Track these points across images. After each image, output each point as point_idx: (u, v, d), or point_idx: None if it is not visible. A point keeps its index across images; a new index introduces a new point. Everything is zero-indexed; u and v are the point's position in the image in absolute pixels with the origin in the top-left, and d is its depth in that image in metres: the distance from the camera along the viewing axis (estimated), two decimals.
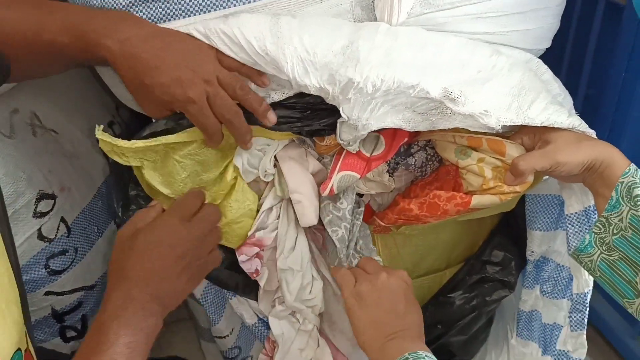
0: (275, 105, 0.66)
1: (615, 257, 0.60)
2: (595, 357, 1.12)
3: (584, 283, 0.74)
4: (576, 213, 0.72)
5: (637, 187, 0.57)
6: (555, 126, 0.62)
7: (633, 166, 0.59)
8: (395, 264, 0.86)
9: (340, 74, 0.60)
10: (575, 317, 0.77)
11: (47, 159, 0.81)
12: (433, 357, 0.59)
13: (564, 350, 0.81)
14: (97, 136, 0.61)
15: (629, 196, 0.58)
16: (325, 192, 0.70)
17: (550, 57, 0.78)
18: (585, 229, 0.72)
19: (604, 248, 0.61)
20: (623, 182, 0.58)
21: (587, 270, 0.64)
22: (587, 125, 0.66)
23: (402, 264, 0.86)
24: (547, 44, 0.79)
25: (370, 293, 0.67)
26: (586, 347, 0.79)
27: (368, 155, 0.72)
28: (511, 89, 0.63)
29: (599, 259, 0.61)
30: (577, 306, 0.77)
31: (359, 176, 0.71)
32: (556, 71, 0.76)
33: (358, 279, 0.69)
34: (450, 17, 0.68)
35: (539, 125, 0.62)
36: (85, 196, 0.87)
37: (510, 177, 0.66)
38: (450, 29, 0.69)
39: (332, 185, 0.70)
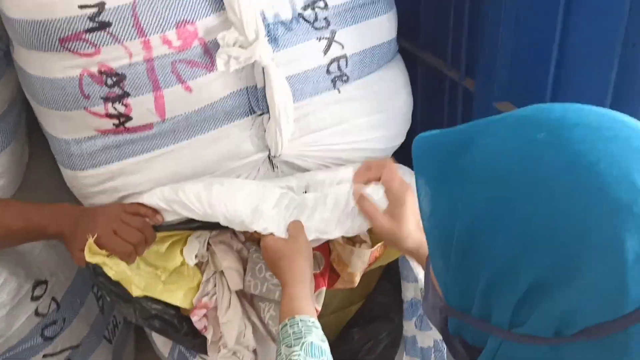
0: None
1: None
2: None
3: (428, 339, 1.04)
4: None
5: None
6: None
7: None
8: None
9: (249, 227, 0.91)
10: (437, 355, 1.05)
11: (38, 253, 1.07)
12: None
13: None
14: (87, 246, 0.87)
15: None
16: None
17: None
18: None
19: None
20: None
21: None
22: None
23: None
24: (401, 139, 1.07)
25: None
26: None
27: (319, 272, 1.00)
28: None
29: None
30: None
31: (324, 289, 0.98)
32: None
33: None
34: (322, 136, 0.97)
35: None
36: (69, 276, 1.13)
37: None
38: (324, 143, 0.98)
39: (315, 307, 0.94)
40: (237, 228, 0.93)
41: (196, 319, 1.00)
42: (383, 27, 0.97)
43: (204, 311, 1.01)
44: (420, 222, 0.85)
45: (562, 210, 0.39)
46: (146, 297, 0.97)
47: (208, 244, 1.02)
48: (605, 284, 0.39)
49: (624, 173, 0.39)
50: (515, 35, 0.96)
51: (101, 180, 0.92)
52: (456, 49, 1.13)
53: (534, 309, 0.42)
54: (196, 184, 0.91)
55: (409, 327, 1.11)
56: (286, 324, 0.78)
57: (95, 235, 0.86)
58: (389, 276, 1.14)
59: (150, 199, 0.91)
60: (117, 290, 0.94)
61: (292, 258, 0.88)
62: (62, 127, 0.91)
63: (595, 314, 0.40)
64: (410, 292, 1.08)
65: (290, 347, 0.74)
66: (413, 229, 0.86)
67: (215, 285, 1.02)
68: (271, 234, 0.92)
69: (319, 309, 0.96)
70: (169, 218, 0.93)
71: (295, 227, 0.92)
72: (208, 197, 0.89)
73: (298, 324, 0.78)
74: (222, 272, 1.02)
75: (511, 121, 0.44)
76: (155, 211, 0.92)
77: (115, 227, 0.88)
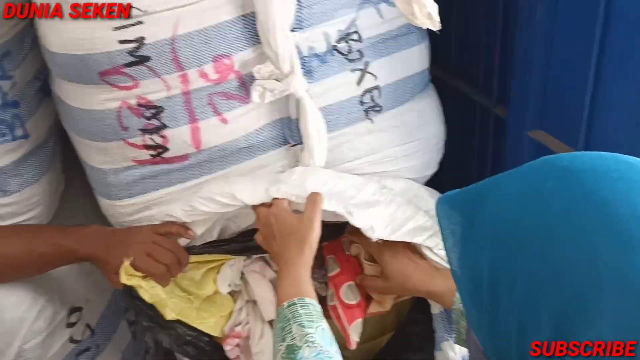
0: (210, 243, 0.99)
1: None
2: None
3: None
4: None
5: None
6: (414, 242, 0.91)
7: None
8: (341, 335, 1.12)
9: (272, 194, 0.90)
10: None
11: (73, 279, 1.08)
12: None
13: None
14: (123, 269, 0.88)
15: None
16: (353, 345, 0.96)
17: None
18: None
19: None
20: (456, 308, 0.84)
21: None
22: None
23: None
24: (434, 169, 1.07)
25: None
26: None
27: (355, 302, 1.00)
28: (389, 215, 0.92)
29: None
30: None
31: (362, 320, 0.98)
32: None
33: None
34: (355, 165, 0.98)
35: (407, 240, 0.91)
36: (102, 302, 1.14)
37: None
38: (357, 172, 0.98)
39: (352, 338, 0.96)
40: (262, 200, 0.90)
41: (229, 348, 1.00)
42: (416, 57, 0.98)
43: (236, 340, 1.01)
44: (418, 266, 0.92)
45: (574, 250, 0.40)
46: (181, 323, 0.97)
47: (242, 272, 1.02)
48: (628, 320, 0.38)
49: (634, 210, 0.40)
50: (549, 60, 0.95)
51: (138, 210, 0.94)
52: (487, 75, 1.12)
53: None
54: (213, 182, 0.92)
55: (441, 358, 1.10)
56: (295, 303, 0.76)
57: (131, 258, 0.88)
58: (421, 306, 1.13)
59: (174, 212, 0.92)
60: (153, 314, 0.94)
61: (305, 240, 0.84)
62: (100, 157, 0.92)
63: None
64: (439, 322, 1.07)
65: (304, 327, 0.72)
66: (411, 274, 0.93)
67: (248, 315, 1.02)
68: (288, 200, 0.90)
69: (357, 340, 0.95)
70: (200, 230, 0.95)
71: (314, 208, 0.87)
72: (229, 185, 0.91)
73: (309, 306, 0.75)
74: (254, 301, 1.03)
75: (521, 173, 0.47)
76: (187, 227, 0.93)
77: (147, 249, 0.89)
